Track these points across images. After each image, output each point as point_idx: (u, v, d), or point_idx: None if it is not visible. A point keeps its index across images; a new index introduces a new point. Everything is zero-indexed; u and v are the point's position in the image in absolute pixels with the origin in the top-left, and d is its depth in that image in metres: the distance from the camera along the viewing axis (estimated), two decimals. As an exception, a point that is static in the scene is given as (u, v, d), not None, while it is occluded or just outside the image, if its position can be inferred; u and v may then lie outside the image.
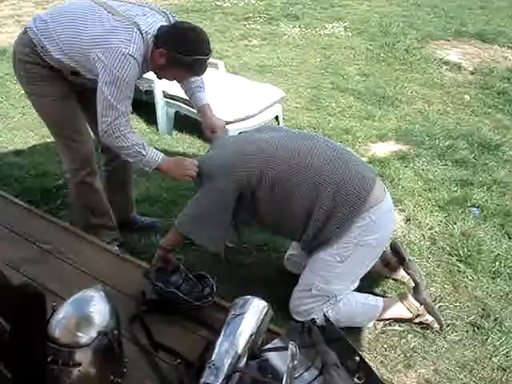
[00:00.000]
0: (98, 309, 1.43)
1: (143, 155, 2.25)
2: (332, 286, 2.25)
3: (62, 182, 3.36)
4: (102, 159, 2.81)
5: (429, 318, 2.37)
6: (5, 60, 5.55)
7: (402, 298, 2.42)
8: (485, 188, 3.57)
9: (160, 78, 2.43)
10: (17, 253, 2.01)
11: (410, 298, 2.39)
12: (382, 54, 6.41)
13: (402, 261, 2.55)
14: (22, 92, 3.37)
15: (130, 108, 2.26)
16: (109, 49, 2.12)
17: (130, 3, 2.34)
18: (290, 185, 2.14)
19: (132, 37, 2.14)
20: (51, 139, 2.63)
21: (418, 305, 2.36)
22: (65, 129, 2.52)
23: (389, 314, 2.40)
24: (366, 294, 2.46)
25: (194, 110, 3.53)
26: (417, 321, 2.38)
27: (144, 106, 4.24)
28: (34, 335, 1.29)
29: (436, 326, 2.38)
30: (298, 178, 2.13)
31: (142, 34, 2.16)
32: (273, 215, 2.26)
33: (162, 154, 2.31)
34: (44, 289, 1.80)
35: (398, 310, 2.39)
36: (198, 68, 2.24)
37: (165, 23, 2.26)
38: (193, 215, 2.27)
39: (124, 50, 2.11)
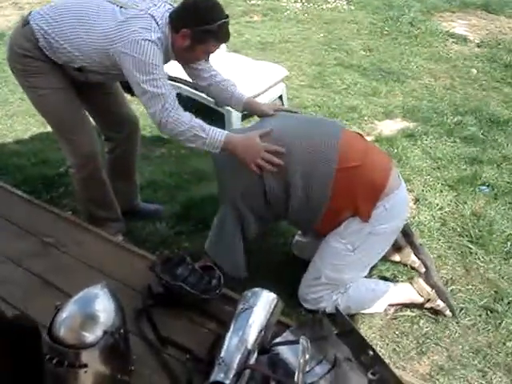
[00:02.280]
0: (103, 307, 1.39)
1: (203, 137, 2.09)
2: (343, 275, 2.21)
3: (64, 170, 3.28)
4: (106, 147, 2.73)
5: (440, 304, 2.31)
6: (2, 44, 5.44)
7: (412, 282, 2.37)
8: (495, 165, 3.50)
9: (186, 64, 2.37)
10: (18, 246, 1.97)
11: (421, 282, 2.33)
12: (386, 28, 6.29)
13: (411, 243, 2.50)
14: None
15: (171, 88, 2.13)
16: (127, 39, 2.05)
17: None
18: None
19: (150, 25, 2.08)
20: (52, 125, 2.54)
21: (429, 289, 2.31)
22: (65, 121, 2.40)
23: (399, 299, 2.36)
24: (375, 280, 2.41)
25: (197, 92, 3.50)
26: (428, 306, 2.33)
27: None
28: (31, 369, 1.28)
29: (448, 312, 2.33)
30: None
31: (158, 25, 2.10)
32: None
33: (225, 132, 2.11)
34: (46, 283, 1.79)
35: (409, 294, 2.34)
36: (224, 33, 2.16)
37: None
38: (214, 239, 2.32)
39: (143, 36, 2.04)
